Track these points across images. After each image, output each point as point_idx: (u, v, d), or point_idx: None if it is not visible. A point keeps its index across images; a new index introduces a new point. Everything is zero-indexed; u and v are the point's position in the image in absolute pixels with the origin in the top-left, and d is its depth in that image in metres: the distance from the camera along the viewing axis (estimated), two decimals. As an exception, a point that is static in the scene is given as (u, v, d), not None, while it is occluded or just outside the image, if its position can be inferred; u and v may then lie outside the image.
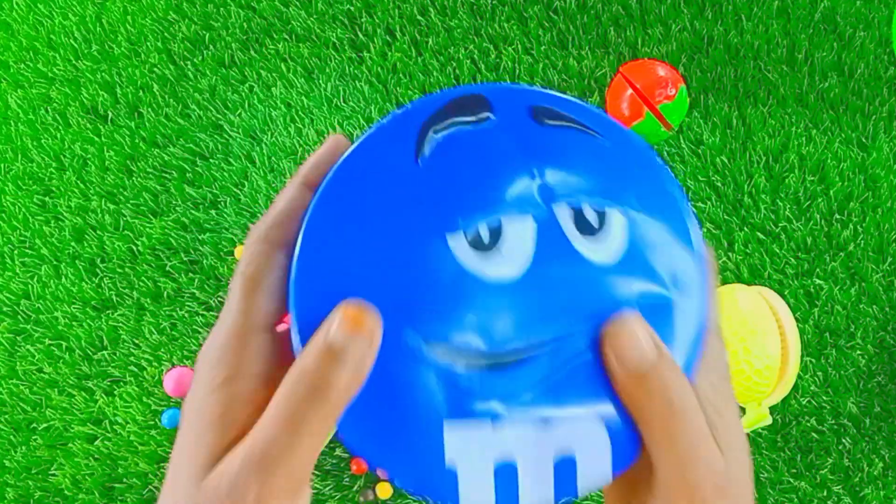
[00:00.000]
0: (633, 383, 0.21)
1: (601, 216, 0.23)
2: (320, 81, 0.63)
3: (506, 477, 0.21)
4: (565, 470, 0.22)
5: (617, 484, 0.25)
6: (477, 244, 0.22)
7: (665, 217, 0.23)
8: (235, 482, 0.19)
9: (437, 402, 0.22)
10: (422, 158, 0.22)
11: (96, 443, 0.57)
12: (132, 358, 0.58)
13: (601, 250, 0.23)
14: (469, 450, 0.21)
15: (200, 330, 0.59)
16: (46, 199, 0.61)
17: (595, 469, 0.22)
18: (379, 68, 0.63)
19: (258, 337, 0.22)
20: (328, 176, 0.23)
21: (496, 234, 0.22)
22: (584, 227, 0.23)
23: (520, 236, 0.22)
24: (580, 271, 0.22)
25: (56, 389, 0.58)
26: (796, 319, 0.56)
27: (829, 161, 0.61)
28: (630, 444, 0.22)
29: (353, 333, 0.20)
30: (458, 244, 0.22)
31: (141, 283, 0.59)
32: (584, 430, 0.22)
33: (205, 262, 0.60)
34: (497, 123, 0.23)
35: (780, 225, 0.60)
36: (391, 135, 0.23)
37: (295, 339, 0.21)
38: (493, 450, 0.21)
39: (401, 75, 0.63)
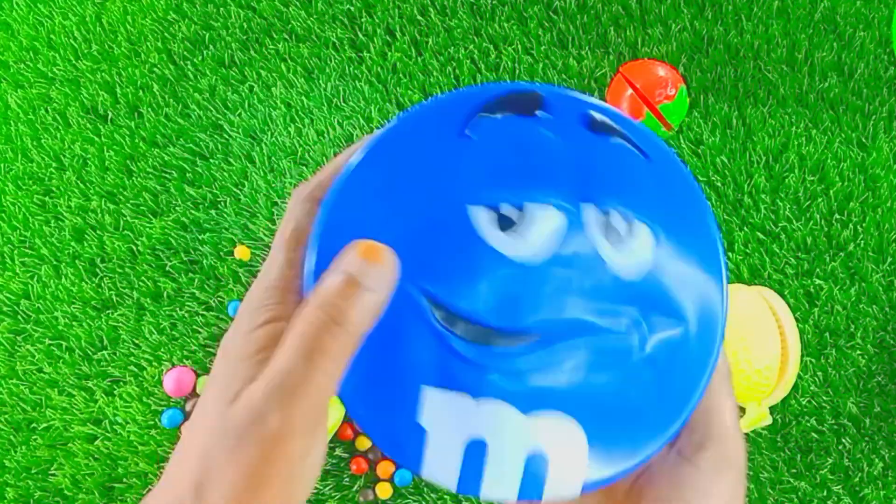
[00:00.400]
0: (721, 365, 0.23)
1: (629, 227, 0.22)
2: (320, 81, 0.63)
3: (474, 456, 0.21)
4: (535, 468, 0.21)
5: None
6: (502, 223, 0.22)
7: (695, 246, 0.23)
8: (259, 411, 0.19)
9: (427, 363, 0.21)
10: (469, 134, 0.22)
11: (96, 443, 0.57)
12: (132, 358, 0.58)
13: (623, 259, 0.22)
14: (444, 418, 0.21)
15: (200, 330, 0.59)
16: (46, 199, 0.61)
17: (565, 478, 0.21)
18: (379, 68, 0.63)
19: (299, 286, 0.22)
20: (374, 138, 0.23)
21: (523, 217, 0.22)
22: (610, 233, 0.22)
23: (546, 225, 0.22)
24: (599, 274, 0.22)
25: (56, 389, 0.58)
26: (796, 319, 0.56)
27: (829, 161, 0.61)
28: (607, 463, 0.21)
29: (370, 263, 0.20)
30: (484, 218, 0.22)
31: (141, 283, 0.59)
32: (566, 434, 0.21)
33: (205, 262, 0.60)
34: (549, 120, 0.23)
35: (780, 225, 0.60)
36: (444, 109, 0.23)
37: (309, 281, 0.21)
38: (468, 425, 0.21)
39: (401, 75, 0.63)
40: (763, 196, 0.60)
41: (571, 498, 0.21)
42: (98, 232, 0.60)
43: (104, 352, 0.58)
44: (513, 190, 0.22)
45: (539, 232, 0.22)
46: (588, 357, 0.22)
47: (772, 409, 0.57)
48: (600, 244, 0.22)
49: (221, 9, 0.64)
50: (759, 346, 0.50)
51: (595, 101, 0.23)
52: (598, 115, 0.23)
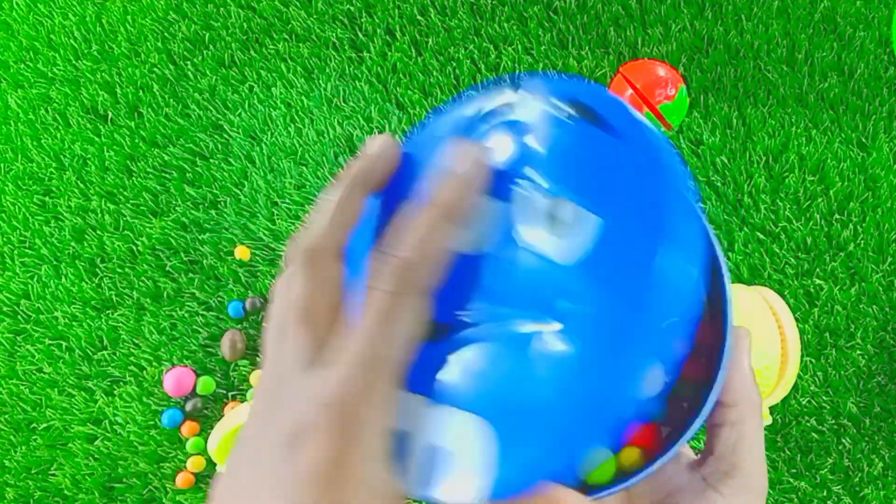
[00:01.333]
0: (749, 383, 0.25)
1: (577, 218, 0.20)
2: (320, 81, 0.63)
3: (398, 441, 0.20)
4: (438, 462, 0.20)
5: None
6: None
7: (651, 239, 0.19)
8: None
9: None
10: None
11: (96, 443, 0.57)
12: (132, 358, 0.58)
13: (563, 250, 0.20)
14: None
15: (200, 330, 0.59)
16: (46, 199, 0.61)
17: (468, 478, 0.19)
18: (379, 68, 0.63)
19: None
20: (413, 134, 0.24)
21: None
22: (554, 222, 0.21)
23: (489, 213, 0.21)
24: (531, 262, 0.20)
25: (56, 389, 0.58)
26: (796, 319, 0.56)
27: (829, 161, 0.61)
28: (515, 471, 0.19)
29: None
30: None
31: (141, 283, 0.59)
32: (475, 434, 0.20)
33: (205, 262, 0.60)
34: (521, 104, 0.22)
35: (780, 225, 0.60)
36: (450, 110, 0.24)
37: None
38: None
39: (401, 75, 0.63)
40: (763, 196, 0.60)
41: (479, 500, 0.19)
42: (98, 232, 0.60)
43: (104, 352, 0.58)
44: None
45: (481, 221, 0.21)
46: (511, 358, 0.20)
47: (772, 409, 0.57)
48: (536, 233, 0.20)
49: (221, 9, 0.64)
50: (758, 347, 0.50)
51: (566, 82, 0.22)
52: (568, 104, 0.21)
